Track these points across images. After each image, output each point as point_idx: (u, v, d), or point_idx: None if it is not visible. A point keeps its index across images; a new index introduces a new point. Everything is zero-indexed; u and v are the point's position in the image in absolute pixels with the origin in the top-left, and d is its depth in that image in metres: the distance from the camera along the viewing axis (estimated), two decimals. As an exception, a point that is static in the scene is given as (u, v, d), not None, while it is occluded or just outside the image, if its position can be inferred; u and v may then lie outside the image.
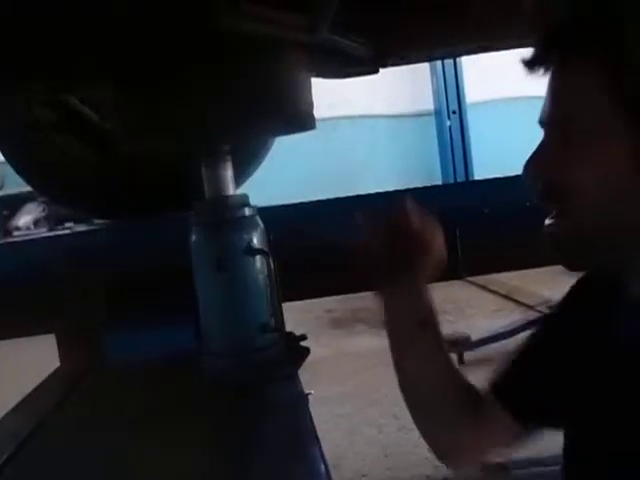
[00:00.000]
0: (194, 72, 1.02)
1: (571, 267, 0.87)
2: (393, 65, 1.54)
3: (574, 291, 0.99)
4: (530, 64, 0.83)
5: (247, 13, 0.85)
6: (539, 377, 0.99)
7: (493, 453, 1.12)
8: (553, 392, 0.96)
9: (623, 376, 0.83)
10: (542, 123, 0.85)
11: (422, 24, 1.32)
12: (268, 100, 1.03)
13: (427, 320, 1.14)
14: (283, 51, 1.00)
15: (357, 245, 1.12)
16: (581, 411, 0.91)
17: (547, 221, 0.85)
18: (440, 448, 1.14)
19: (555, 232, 0.84)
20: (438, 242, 1.14)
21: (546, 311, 4.48)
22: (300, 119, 1.08)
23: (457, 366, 1.15)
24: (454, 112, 7.64)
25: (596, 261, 0.85)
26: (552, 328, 1.02)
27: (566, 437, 0.95)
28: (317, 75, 1.43)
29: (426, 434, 1.13)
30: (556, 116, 0.82)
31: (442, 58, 4.80)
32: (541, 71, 0.83)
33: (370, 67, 1.49)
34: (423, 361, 1.15)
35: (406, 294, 1.15)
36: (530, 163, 0.84)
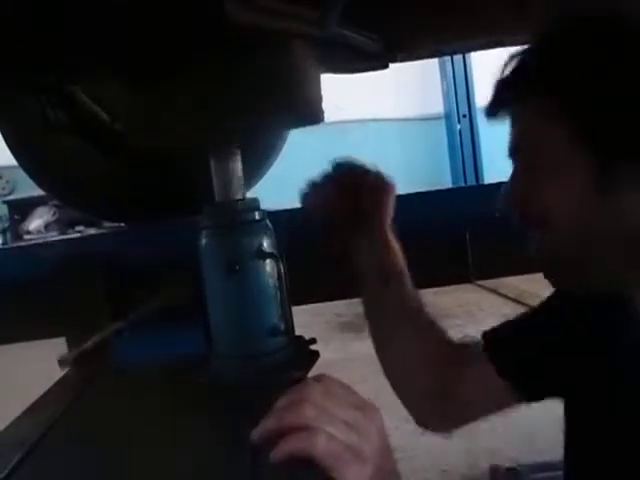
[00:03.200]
0: (205, 65, 1.02)
1: (557, 286, 0.91)
2: (402, 60, 1.54)
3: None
4: (491, 108, 0.88)
5: (259, 6, 0.86)
6: (531, 343, 0.99)
7: (476, 417, 1.10)
8: (540, 361, 0.97)
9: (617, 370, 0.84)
10: (511, 153, 0.89)
11: (432, 18, 1.32)
12: (279, 92, 1.03)
13: (390, 273, 1.14)
14: (293, 45, 1.01)
15: (310, 210, 1.13)
16: (569, 394, 0.92)
17: (530, 244, 0.88)
18: (421, 412, 1.13)
19: (538, 254, 0.87)
20: (386, 190, 1.15)
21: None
22: (310, 112, 1.08)
23: (434, 319, 1.15)
24: (464, 116, 7.63)
25: (579, 281, 0.86)
26: (556, 305, 1.02)
27: (567, 433, 0.95)
28: (326, 70, 1.44)
29: (406, 399, 1.12)
30: (519, 146, 0.87)
31: (452, 53, 4.79)
32: (502, 113, 0.87)
33: (379, 62, 1.49)
34: (392, 321, 1.14)
35: (366, 250, 1.16)
36: (505, 193, 0.88)
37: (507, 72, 0.85)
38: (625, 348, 0.84)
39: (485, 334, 1.08)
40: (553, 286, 0.91)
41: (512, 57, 0.85)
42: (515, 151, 0.88)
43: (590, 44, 0.78)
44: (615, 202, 0.77)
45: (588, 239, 0.80)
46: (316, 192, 1.16)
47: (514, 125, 0.87)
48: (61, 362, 1.32)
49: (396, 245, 1.17)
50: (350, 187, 1.15)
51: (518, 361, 1.00)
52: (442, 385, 1.08)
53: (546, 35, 0.84)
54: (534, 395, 1.01)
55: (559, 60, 0.80)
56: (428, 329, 1.14)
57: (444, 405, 1.10)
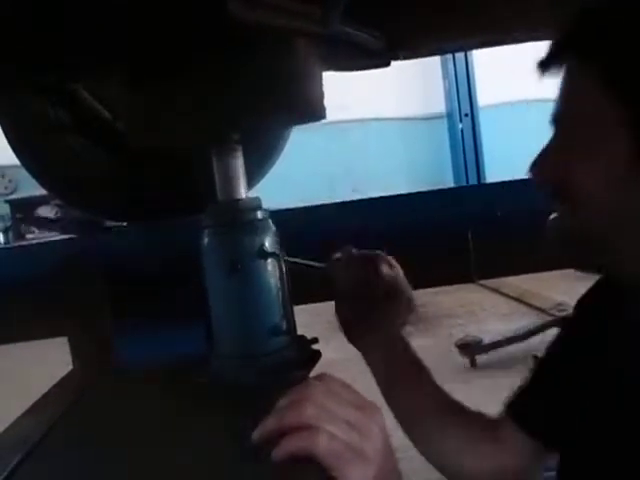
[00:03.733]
0: (206, 63, 1.02)
1: (574, 266, 0.88)
2: (405, 58, 1.54)
3: (585, 303, 0.98)
4: (544, 65, 0.84)
5: (261, 4, 0.86)
6: (554, 395, 0.97)
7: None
8: (567, 410, 0.95)
9: (624, 399, 0.82)
10: (551, 122, 0.86)
11: (434, 15, 1.32)
12: (280, 90, 1.03)
13: (419, 363, 1.14)
14: (295, 41, 1.00)
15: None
16: (588, 430, 0.90)
17: (551, 218, 0.85)
18: (456, 471, 1.12)
19: (560, 230, 0.85)
20: (405, 288, 1.14)
21: (558, 314, 4.47)
22: (312, 109, 1.08)
23: (459, 402, 1.14)
24: (466, 115, 7.64)
25: (599, 261, 0.84)
26: (565, 344, 1.01)
27: (562, 458, 0.94)
28: (329, 68, 1.43)
29: (443, 467, 1.11)
30: (560, 115, 0.84)
31: (454, 51, 4.80)
32: (554, 71, 0.84)
33: (381, 60, 1.49)
34: (424, 400, 1.13)
35: (385, 346, 1.14)
36: (535, 163, 0.85)
37: (560, 36, 0.83)
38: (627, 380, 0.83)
39: (509, 406, 1.07)
40: (570, 266, 0.89)
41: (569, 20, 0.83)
42: (555, 118, 0.85)
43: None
44: None
45: (620, 220, 0.78)
46: (346, 262, 1.15)
47: (560, 91, 0.84)
48: None
49: (407, 341, 1.17)
50: (372, 276, 1.14)
51: (547, 423, 0.99)
52: (489, 464, 1.08)
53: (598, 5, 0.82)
54: (566, 446, 1.00)
55: (605, 28, 0.78)
56: (465, 418, 1.12)
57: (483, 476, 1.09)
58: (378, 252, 1.17)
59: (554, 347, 1.02)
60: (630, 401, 0.80)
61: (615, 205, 0.78)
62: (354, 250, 1.18)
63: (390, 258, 1.17)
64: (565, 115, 0.83)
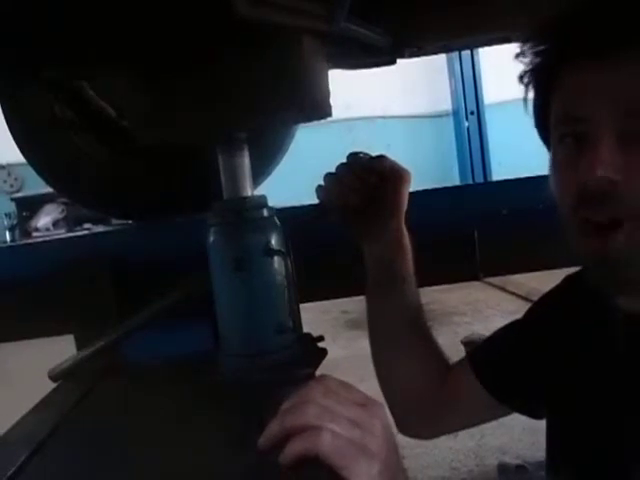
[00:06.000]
0: (210, 59, 1.02)
1: (614, 286, 0.80)
2: (410, 56, 1.54)
3: (564, 285, 0.98)
4: (560, 55, 0.77)
5: (267, 1, 0.85)
6: (515, 357, 0.99)
7: (463, 426, 1.12)
8: (525, 376, 0.97)
9: (599, 377, 0.83)
10: (578, 120, 0.76)
11: (440, 13, 1.31)
12: (286, 88, 1.03)
13: (396, 276, 1.14)
14: (301, 39, 1.00)
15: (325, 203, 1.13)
16: (554, 401, 0.91)
17: (584, 231, 0.76)
18: (409, 421, 1.13)
19: (604, 248, 0.75)
20: (402, 178, 1.14)
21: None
22: (317, 106, 1.08)
23: (430, 330, 1.15)
24: (472, 113, 7.61)
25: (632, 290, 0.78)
26: (537, 316, 1.02)
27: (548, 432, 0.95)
28: (334, 66, 1.43)
29: (394, 406, 1.12)
30: (615, 112, 0.73)
31: (460, 49, 4.78)
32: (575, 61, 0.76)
33: (387, 58, 1.48)
34: (391, 329, 1.14)
35: (377, 246, 1.15)
36: (585, 170, 0.75)
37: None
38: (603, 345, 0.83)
39: (471, 355, 1.08)
40: (608, 287, 0.80)
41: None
42: (602, 117, 0.73)
43: None
44: None
45: None
46: (332, 183, 1.15)
47: (610, 84, 0.73)
48: (51, 377, 1.31)
49: (407, 244, 1.17)
50: (365, 176, 1.14)
51: (503, 381, 1.01)
52: (434, 399, 1.09)
53: None
54: (517, 406, 1.02)
55: None
56: (423, 344, 1.14)
57: (433, 415, 1.11)
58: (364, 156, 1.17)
59: (526, 317, 1.03)
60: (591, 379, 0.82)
61: None
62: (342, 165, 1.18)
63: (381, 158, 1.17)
64: (623, 111, 0.72)
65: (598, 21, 0.73)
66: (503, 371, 1.01)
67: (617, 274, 0.76)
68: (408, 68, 5.93)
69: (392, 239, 1.15)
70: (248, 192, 1.21)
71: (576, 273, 0.94)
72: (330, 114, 1.10)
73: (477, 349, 1.08)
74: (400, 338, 1.13)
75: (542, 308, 1.01)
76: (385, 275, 1.15)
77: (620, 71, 0.72)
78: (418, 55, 1.59)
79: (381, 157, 1.15)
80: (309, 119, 1.13)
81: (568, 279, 0.96)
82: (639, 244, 0.73)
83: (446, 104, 7.96)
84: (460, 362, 1.10)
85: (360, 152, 1.17)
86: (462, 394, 1.07)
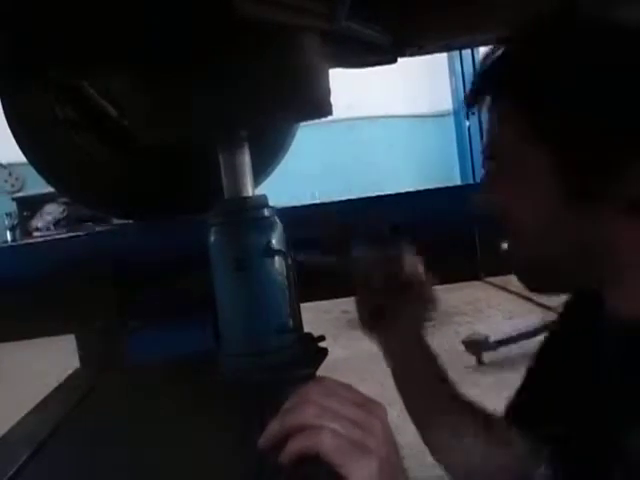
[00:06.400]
0: (210, 58, 1.02)
1: (532, 290, 0.88)
2: (411, 55, 1.54)
3: (570, 305, 0.98)
4: (468, 100, 0.85)
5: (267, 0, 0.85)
6: (548, 394, 0.97)
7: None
8: (561, 409, 0.95)
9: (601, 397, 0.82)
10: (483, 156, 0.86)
11: (440, 12, 1.31)
12: (287, 86, 1.03)
13: (435, 360, 1.13)
14: (301, 38, 1.00)
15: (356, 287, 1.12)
16: (576, 428, 0.90)
17: (504, 245, 0.86)
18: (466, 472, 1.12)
19: (510, 258, 0.85)
20: (426, 284, 1.14)
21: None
22: (318, 105, 1.08)
23: (465, 396, 1.13)
24: (473, 112, 7.61)
25: (552, 286, 0.86)
26: (552, 347, 1.01)
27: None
28: (335, 65, 1.43)
29: (452, 468, 1.11)
30: (489, 150, 0.84)
31: (460, 48, 4.78)
32: (478, 107, 0.85)
33: (388, 57, 1.48)
34: (437, 399, 1.12)
35: (404, 341, 1.13)
36: (480, 194, 0.86)
37: (482, 70, 0.84)
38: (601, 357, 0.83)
39: (507, 411, 1.07)
40: (525, 287, 0.89)
41: (486, 57, 0.84)
42: (485, 153, 0.86)
43: (558, 45, 0.75)
44: (588, 215, 0.74)
45: (558, 252, 0.78)
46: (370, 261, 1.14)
47: (487, 127, 0.84)
48: None
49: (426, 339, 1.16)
50: (397, 274, 1.13)
51: (545, 425, 0.99)
52: (494, 465, 1.08)
53: (513, 36, 0.83)
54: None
55: (517, 63, 0.79)
56: (476, 419, 1.12)
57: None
58: (401, 250, 1.16)
59: (546, 345, 1.03)
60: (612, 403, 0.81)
61: (548, 237, 0.78)
62: (375, 248, 1.17)
63: (413, 256, 1.16)
64: (494, 151, 0.83)
65: (490, 70, 0.83)
66: (541, 414, 1.00)
67: (523, 282, 0.86)
68: (409, 68, 5.94)
69: (409, 335, 1.14)
70: (249, 192, 1.21)
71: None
72: (331, 113, 1.10)
73: (513, 401, 1.07)
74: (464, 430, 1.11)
75: (555, 337, 1.01)
76: (429, 378, 1.14)
77: (492, 117, 0.82)
78: (419, 54, 1.59)
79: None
80: (310, 118, 1.13)
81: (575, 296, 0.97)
82: (522, 261, 0.84)
83: (447, 104, 7.96)
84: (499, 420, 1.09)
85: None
86: (510, 450, 1.05)
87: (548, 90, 0.75)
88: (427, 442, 1.13)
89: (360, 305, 1.17)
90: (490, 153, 0.84)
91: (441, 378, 1.13)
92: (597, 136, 0.72)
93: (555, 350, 0.99)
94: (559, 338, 0.99)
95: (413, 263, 1.14)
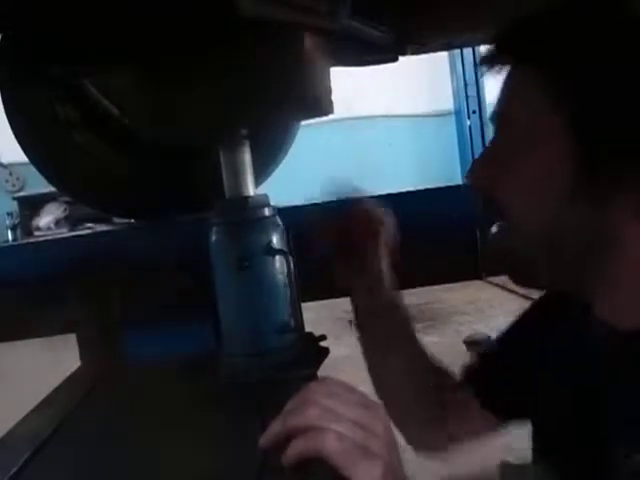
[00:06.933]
0: (212, 56, 1.02)
1: (516, 281, 0.82)
2: (413, 53, 1.53)
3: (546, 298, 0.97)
4: (486, 61, 0.80)
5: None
6: (506, 371, 0.98)
7: (464, 441, 1.11)
8: (517, 388, 0.96)
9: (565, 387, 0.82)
10: (491, 121, 0.81)
11: (442, 11, 1.31)
12: (288, 85, 1.03)
13: (381, 302, 1.12)
14: (302, 36, 1.00)
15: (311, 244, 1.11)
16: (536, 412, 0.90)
17: (493, 230, 0.81)
18: (416, 439, 1.13)
19: (499, 244, 0.80)
20: (387, 225, 1.13)
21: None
22: (319, 103, 1.08)
23: (423, 346, 1.13)
24: (474, 112, 7.60)
25: (540, 278, 0.80)
26: (521, 328, 1.01)
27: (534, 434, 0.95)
28: (337, 63, 1.43)
29: (401, 427, 1.11)
30: (497, 117, 0.79)
31: (462, 47, 4.77)
32: (497, 69, 0.79)
33: (389, 55, 1.48)
34: (384, 351, 1.12)
35: (370, 286, 1.13)
36: (471, 169, 0.79)
37: (498, 37, 0.78)
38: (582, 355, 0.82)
39: (466, 372, 1.07)
40: (510, 279, 0.83)
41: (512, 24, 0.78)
42: (492, 119, 0.80)
43: (588, 21, 0.71)
44: (597, 205, 0.70)
45: (554, 242, 0.73)
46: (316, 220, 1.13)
47: (501, 91, 0.78)
48: None
49: (389, 276, 1.14)
50: (344, 218, 1.11)
51: (499, 396, 1.00)
52: (435, 415, 1.08)
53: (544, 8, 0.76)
54: (515, 419, 1.01)
55: (544, 31, 0.74)
56: (419, 360, 1.13)
57: (435, 432, 1.10)
58: (357, 202, 1.14)
59: (514, 325, 1.02)
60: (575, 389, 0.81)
61: (549, 228, 0.73)
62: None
63: (373, 207, 1.14)
64: (501, 119, 0.78)
65: (506, 38, 0.77)
66: (494, 385, 1.01)
67: (509, 274, 0.80)
68: (411, 68, 5.93)
69: (373, 276, 1.13)
70: (250, 191, 1.21)
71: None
72: (332, 111, 1.10)
73: (471, 368, 1.07)
74: (394, 358, 1.11)
75: (527, 319, 1.01)
76: (369, 304, 1.13)
77: (510, 81, 0.76)
78: (420, 52, 1.59)
79: (358, 200, 1.12)
80: (310, 116, 1.13)
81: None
82: (513, 249, 0.77)
83: (448, 103, 7.95)
84: (454, 376, 1.10)
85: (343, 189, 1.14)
86: (459, 411, 1.06)
87: (582, 58, 0.70)
88: (381, 396, 1.12)
89: (336, 263, 1.15)
90: (495, 117, 0.79)
91: (404, 325, 1.12)
92: (625, 117, 0.68)
93: (526, 332, 0.98)
94: (533, 320, 0.98)
95: (374, 214, 1.12)
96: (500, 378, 1.00)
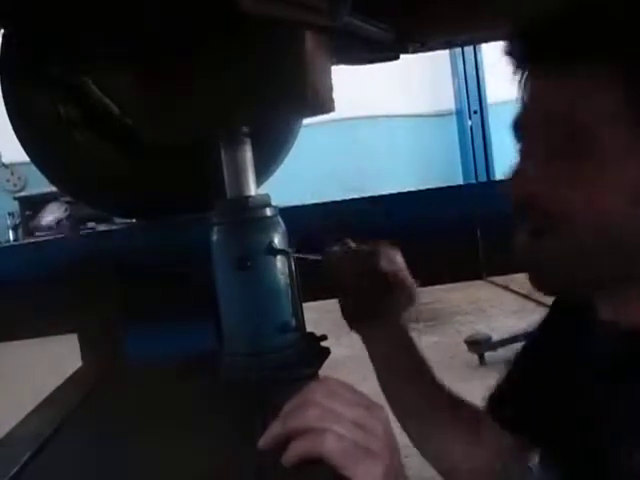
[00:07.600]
0: (212, 53, 1.02)
1: (542, 289, 0.79)
2: (414, 52, 1.53)
3: (557, 306, 0.96)
4: (520, 59, 0.75)
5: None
6: (530, 392, 0.96)
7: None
8: (543, 409, 0.94)
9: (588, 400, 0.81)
10: (517, 127, 0.76)
11: (443, 8, 1.31)
12: (288, 83, 1.02)
13: (419, 357, 1.12)
14: (303, 34, 1.00)
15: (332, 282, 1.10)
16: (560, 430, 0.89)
17: (522, 236, 0.77)
18: (448, 470, 1.11)
19: (535, 250, 0.76)
20: (406, 281, 1.12)
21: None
22: (320, 101, 1.08)
23: (455, 394, 1.12)
24: (475, 112, 7.61)
25: (574, 286, 0.77)
26: (538, 344, 1.00)
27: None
28: (338, 61, 1.43)
29: (433, 460, 1.10)
30: (547, 123, 0.73)
31: (463, 45, 4.78)
32: (529, 68, 0.75)
33: (391, 53, 1.48)
34: (421, 396, 1.11)
35: (388, 340, 1.12)
36: (513, 180, 0.75)
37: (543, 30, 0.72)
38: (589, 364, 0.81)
39: (488, 405, 1.06)
40: (535, 286, 0.79)
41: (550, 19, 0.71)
42: (534, 124, 0.73)
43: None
44: None
45: (612, 236, 0.69)
46: (342, 255, 1.13)
47: (546, 93, 0.72)
48: None
49: (411, 340, 1.14)
50: (373, 268, 1.11)
51: (526, 420, 0.98)
52: (475, 455, 1.07)
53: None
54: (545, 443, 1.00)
55: (616, 22, 0.67)
56: (457, 406, 1.11)
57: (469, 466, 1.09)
58: (377, 246, 1.14)
59: (530, 343, 1.01)
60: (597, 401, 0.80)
61: (608, 233, 0.70)
62: (351, 243, 1.16)
63: (391, 250, 1.14)
64: (555, 123, 0.71)
65: (559, 30, 0.71)
66: (522, 411, 0.99)
67: (541, 280, 0.77)
68: (412, 67, 5.93)
69: (392, 332, 1.12)
70: (251, 191, 1.21)
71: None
72: (333, 109, 1.10)
73: (493, 396, 1.06)
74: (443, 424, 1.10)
75: (542, 334, 1.00)
76: (400, 374, 1.12)
77: (560, 84, 0.71)
78: (421, 51, 1.59)
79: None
80: (312, 114, 1.13)
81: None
82: (559, 253, 0.73)
83: (449, 103, 7.95)
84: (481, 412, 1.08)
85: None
86: (491, 446, 1.04)
87: None
88: (409, 434, 1.12)
89: (342, 302, 1.16)
90: (540, 124, 0.72)
91: (424, 372, 1.12)
92: None
93: (539, 350, 0.97)
94: (545, 338, 0.97)
95: (391, 259, 1.11)
96: (525, 405, 0.98)
